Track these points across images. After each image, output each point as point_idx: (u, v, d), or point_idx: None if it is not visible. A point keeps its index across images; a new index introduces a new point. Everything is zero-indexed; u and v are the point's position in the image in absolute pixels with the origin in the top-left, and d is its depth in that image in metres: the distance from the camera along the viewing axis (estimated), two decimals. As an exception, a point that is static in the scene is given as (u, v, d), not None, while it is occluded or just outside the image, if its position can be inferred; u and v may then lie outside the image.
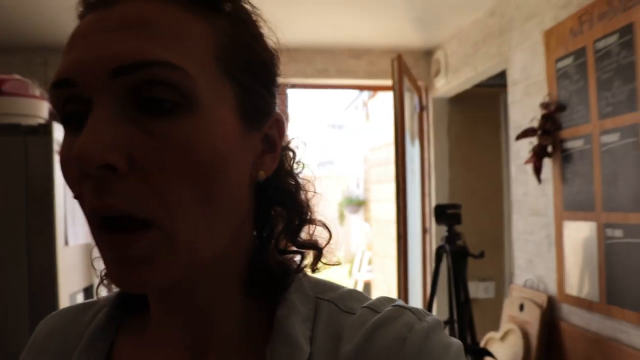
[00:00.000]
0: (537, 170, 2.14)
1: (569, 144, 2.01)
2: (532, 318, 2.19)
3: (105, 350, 0.51)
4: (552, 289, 2.17)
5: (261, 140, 0.48)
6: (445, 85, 3.32)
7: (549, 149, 2.10)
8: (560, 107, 2.05)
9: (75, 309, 0.58)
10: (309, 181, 0.55)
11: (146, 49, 0.39)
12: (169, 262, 0.40)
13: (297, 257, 0.52)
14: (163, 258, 0.40)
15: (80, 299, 2.06)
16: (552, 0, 2.15)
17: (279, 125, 0.50)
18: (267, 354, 0.45)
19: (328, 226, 0.53)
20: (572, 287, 2.02)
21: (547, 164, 2.15)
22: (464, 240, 2.18)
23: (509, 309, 2.38)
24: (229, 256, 0.47)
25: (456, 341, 0.46)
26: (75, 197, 0.42)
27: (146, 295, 0.52)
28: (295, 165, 0.55)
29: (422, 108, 3.54)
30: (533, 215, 2.32)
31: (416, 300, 3.11)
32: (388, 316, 0.46)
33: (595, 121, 1.85)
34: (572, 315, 2.03)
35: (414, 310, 0.47)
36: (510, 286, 2.52)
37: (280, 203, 0.52)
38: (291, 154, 0.55)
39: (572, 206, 2.01)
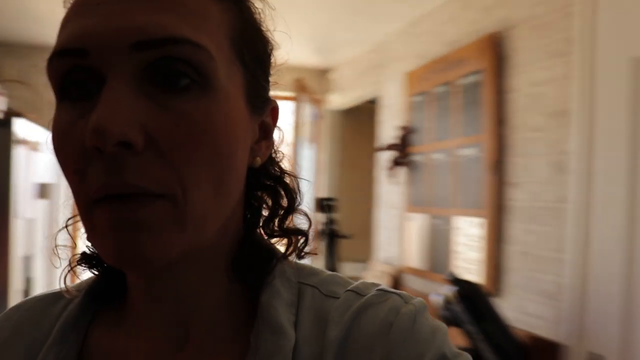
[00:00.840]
0: (393, 175, 2.89)
1: (415, 158, 2.77)
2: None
3: (78, 342, 0.48)
4: (400, 263, 2.93)
5: (259, 127, 0.48)
6: (339, 100, 4.03)
7: (402, 159, 2.86)
8: (411, 130, 2.81)
9: (41, 301, 0.54)
10: (286, 167, 0.55)
11: (171, 24, 0.38)
12: (174, 234, 0.38)
13: (281, 244, 0.52)
14: (169, 229, 0.38)
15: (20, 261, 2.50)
16: (413, 50, 2.90)
17: (274, 113, 0.50)
18: (251, 341, 0.44)
19: (309, 215, 0.53)
20: (412, 261, 2.79)
21: (401, 170, 2.91)
22: (337, 225, 2.88)
23: (369, 279, 3.13)
24: (219, 238, 0.46)
25: (442, 324, 0.46)
26: (72, 171, 0.39)
27: (122, 284, 0.49)
28: (276, 154, 0.54)
29: (318, 117, 4.23)
30: (391, 208, 3.08)
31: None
32: (373, 300, 0.46)
33: (429, 143, 2.62)
34: (410, 281, 2.81)
35: (399, 294, 0.47)
36: (373, 262, 3.27)
37: (271, 189, 0.51)
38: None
39: (414, 202, 2.78)
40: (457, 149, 2.39)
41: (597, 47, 1.69)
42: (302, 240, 0.52)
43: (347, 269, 3.80)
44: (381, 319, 0.44)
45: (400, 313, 0.44)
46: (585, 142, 1.71)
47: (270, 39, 0.49)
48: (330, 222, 2.88)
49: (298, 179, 0.53)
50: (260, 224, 0.52)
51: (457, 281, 1.96)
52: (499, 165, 2.13)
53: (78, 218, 0.42)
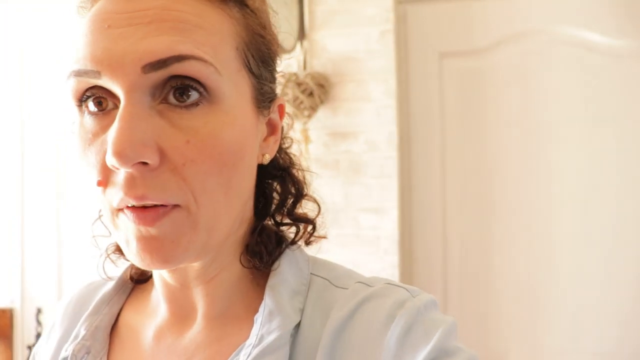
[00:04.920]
0: None
1: None
2: None
3: (111, 315, 0.54)
4: None
5: (266, 124, 0.50)
6: None
7: None
8: None
9: (95, 283, 0.60)
10: (295, 155, 0.56)
11: (176, 42, 0.39)
12: (190, 241, 0.42)
13: (292, 230, 0.53)
14: (186, 237, 0.42)
15: None
16: None
17: (281, 108, 0.51)
18: (255, 322, 0.46)
19: (318, 202, 0.55)
20: None
21: None
22: None
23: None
24: (233, 230, 0.48)
25: (449, 318, 0.45)
26: (96, 182, 0.42)
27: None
28: (285, 141, 0.56)
29: None
30: None
31: None
32: (380, 293, 0.47)
33: None
34: None
35: (407, 288, 0.47)
36: None
37: (279, 178, 0.54)
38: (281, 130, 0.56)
39: None
40: None
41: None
42: (309, 228, 0.53)
43: None
44: (385, 311, 0.45)
45: (405, 307, 0.45)
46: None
47: (274, 37, 0.50)
48: None
49: (305, 169, 0.56)
50: (272, 212, 0.54)
51: None
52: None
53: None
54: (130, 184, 0.40)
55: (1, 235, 2.11)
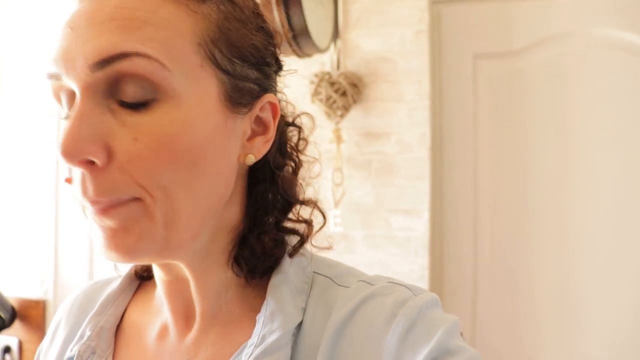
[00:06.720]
0: None
1: None
2: None
3: (116, 315, 0.54)
4: None
5: (252, 123, 0.48)
6: None
7: None
8: None
9: (101, 282, 0.61)
10: (316, 159, 0.54)
11: (120, 40, 0.39)
12: (144, 230, 0.41)
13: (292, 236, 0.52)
14: (139, 225, 0.41)
15: None
16: None
17: (273, 107, 0.49)
18: (257, 321, 0.46)
19: (322, 210, 0.53)
20: None
21: None
22: None
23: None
24: (214, 234, 0.47)
25: (451, 317, 0.45)
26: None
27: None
28: (300, 143, 0.54)
29: None
30: None
31: None
32: (381, 291, 0.46)
33: None
34: None
35: (409, 287, 0.47)
36: None
37: (267, 183, 0.51)
38: (297, 131, 0.54)
39: None
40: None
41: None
42: (299, 241, 0.52)
43: None
44: (386, 310, 0.45)
45: (406, 305, 0.44)
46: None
47: (266, 30, 0.49)
48: None
49: (293, 177, 0.52)
50: (259, 221, 0.50)
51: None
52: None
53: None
54: (83, 186, 0.41)
55: (35, 226, 2.16)
